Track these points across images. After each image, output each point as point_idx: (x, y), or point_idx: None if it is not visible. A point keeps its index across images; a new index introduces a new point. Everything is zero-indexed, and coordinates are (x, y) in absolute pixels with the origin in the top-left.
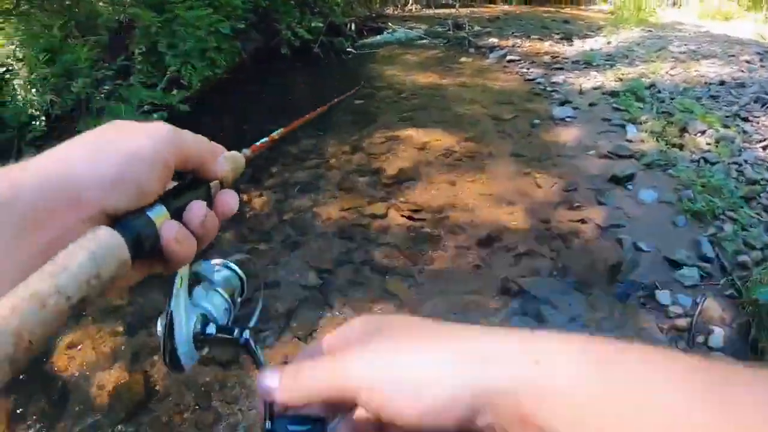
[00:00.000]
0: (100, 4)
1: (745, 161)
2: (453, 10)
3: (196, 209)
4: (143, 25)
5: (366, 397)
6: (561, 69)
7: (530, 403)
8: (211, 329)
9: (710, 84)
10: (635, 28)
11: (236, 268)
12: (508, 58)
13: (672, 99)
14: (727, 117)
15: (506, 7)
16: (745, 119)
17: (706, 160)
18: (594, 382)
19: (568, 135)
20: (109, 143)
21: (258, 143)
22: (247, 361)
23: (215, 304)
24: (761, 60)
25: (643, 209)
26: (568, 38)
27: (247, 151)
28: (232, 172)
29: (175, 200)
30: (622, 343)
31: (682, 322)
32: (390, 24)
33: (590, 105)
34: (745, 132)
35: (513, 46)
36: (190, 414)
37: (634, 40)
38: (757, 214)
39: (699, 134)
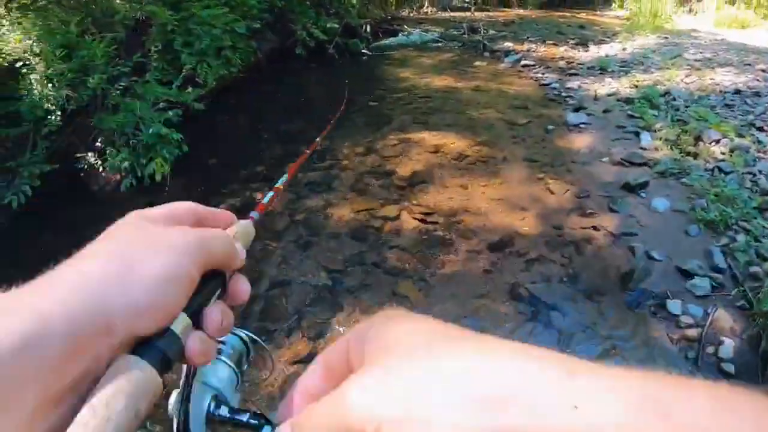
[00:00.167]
0: (117, 1)
1: (760, 171)
2: (468, 14)
3: (215, 316)
4: (159, 23)
5: None
6: (576, 74)
7: None
8: (224, 411)
9: (725, 92)
10: (651, 35)
11: (241, 333)
12: (523, 62)
13: (687, 107)
14: (742, 126)
15: (522, 11)
16: (760, 129)
17: (720, 170)
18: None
19: (581, 141)
20: (140, 263)
21: (265, 201)
22: None
23: (223, 377)
24: None
25: (655, 218)
26: (583, 44)
27: (256, 215)
28: (245, 248)
29: (194, 302)
30: (684, 380)
31: (692, 333)
32: (405, 26)
33: (605, 111)
34: (759, 142)
35: (528, 50)
36: None
37: (649, 47)
38: None
39: (713, 143)
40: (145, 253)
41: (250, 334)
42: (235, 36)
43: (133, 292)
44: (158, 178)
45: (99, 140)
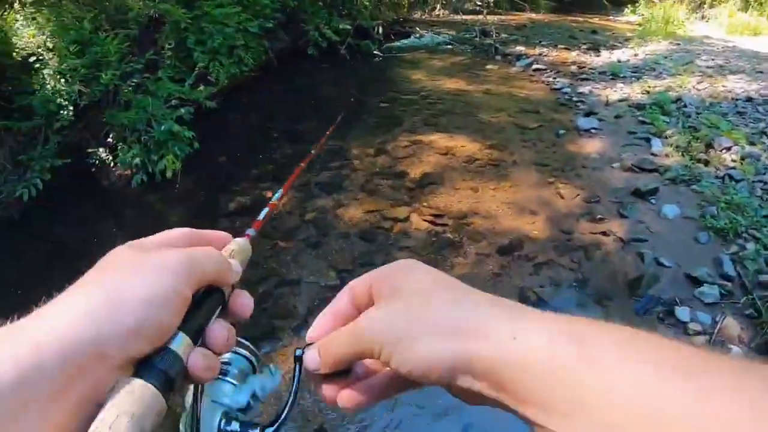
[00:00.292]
0: None
1: None
2: (480, 17)
3: (219, 333)
4: (172, 21)
5: (380, 352)
6: (587, 79)
7: (503, 373)
8: (235, 426)
9: (737, 100)
10: (663, 41)
11: (244, 352)
12: (535, 66)
13: (698, 114)
14: (753, 134)
15: (534, 15)
16: None
17: (730, 177)
18: (563, 355)
19: (592, 146)
20: (127, 287)
21: (260, 218)
22: None
23: (230, 394)
24: None
25: (665, 224)
26: (595, 48)
27: (252, 231)
28: (242, 265)
29: (193, 320)
30: (601, 323)
31: (700, 340)
32: (417, 29)
33: (616, 117)
34: None
35: (540, 54)
36: None
37: (661, 53)
38: None
39: (724, 150)
40: (132, 276)
41: (252, 348)
42: (248, 35)
43: (122, 315)
44: (169, 174)
45: (110, 136)
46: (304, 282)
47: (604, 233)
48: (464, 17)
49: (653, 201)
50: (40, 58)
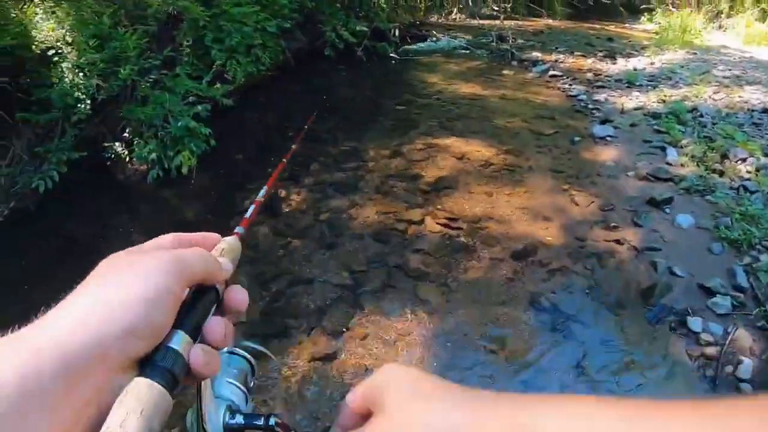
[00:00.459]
0: None
1: None
2: (497, 22)
3: (217, 328)
4: (191, 18)
5: None
6: (603, 87)
7: None
8: (239, 419)
9: (753, 111)
10: (679, 50)
11: (243, 353)
12: (551, 73)
13: (714, 124)
14: None
15: (551, 22)
16: None
17: (745, 188)
18: None
19: (607, 154)
20: (121, 288)
21: (247, 215)
22: None
23: (233, 392)
24: None
25: (679, 234)
26: (611, 56)
27: (241, 229)
28: (233, 262)
29: (190, 318)
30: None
31: (711, 351)
32: (433, 32)
33: (631, 125)
34: None
35: (556, 61)
36: None
37: (677, 62)
38: None
39: (740, 161)
40: (124, 278)
41: (250, 345)
42: (266, 35)
43: (117, 316)
44: (185, 171)
45: (126, 131)
46: (317, 281)
47: (617, 241)
48: (481, 22)
49: (668, 210)
50: (59, 51)
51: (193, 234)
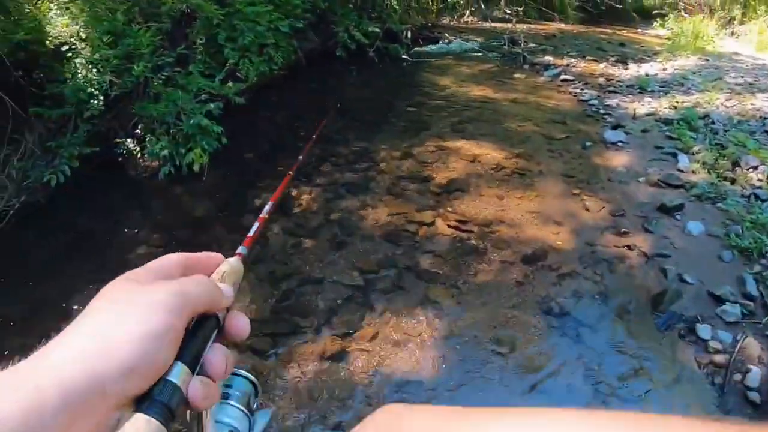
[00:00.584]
0: None
1: None
2: (509, 25)
3: (217, 361)
4: (205, 17)
5: None
6: (615, 92)
7: None
8: None
9: (765, 119)
10: (692, 56)
11: (246, 374)
12: (563, 77)
13: (726, 131)
14: None
15: (563, 26)
16: None
17: (756, 197)
18: None
19: (618, 160)
20: (121, 325)
21: (251, 233)
22: None
23: (235, 416)
24: None
25: (689, 241)
26: (623, 61)
27: (243, 249)
28: (234, 286)
29: (189, 349)
30: None
31: (720, 359)
32: (445, 34)
33: (643, 131)
34: None
35: (568, 65)
36: None
37: (690, 68)
38: None
39: (751, 169)
40: (125, 314)
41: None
42: (279, 34)
43: (118, 354)
44: (196, 168)
45: (138, 127)
46: (327, 281)
47: (628, 247)
48: (493, 25)
49: (678, 217)
50: (73, 47)
51: (198, 254)
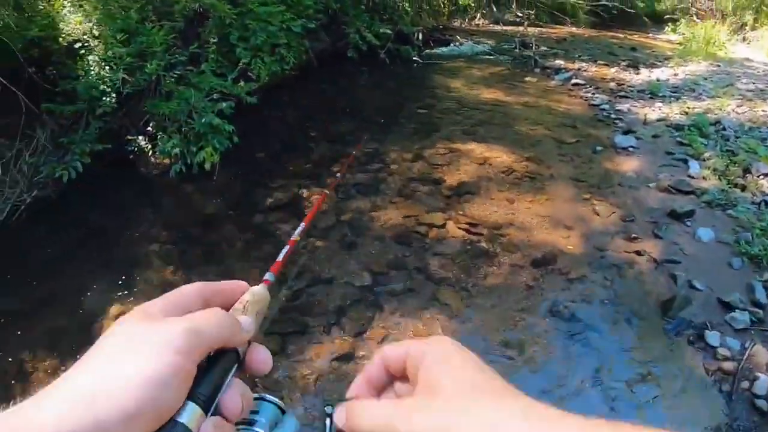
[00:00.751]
0: None
1: None
2: (520, 28)
3: (233, 403)
4: (217, 16)
5: None
6: (626, 97)
7: None
8: None
9: None
10: (703, 62)
11: (273, 399)
12: (574, 81)
13: (737, 138)
14: None
15: (574, 29)
16: None
17: (766, 204)
18: None
19: (629, 165)
20: (127, 368)
21: (280, 258)
22: None
23: None
24: None
25: (699, 247)
26: (634, 66)
27: (271, 276)
28: (258, 316)
29: (203, 388)
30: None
31: (728, 366)
32: (457, 37)
33: (653, 136)
34: None
35: (579, 69)
36: None
37: (701, 74)
38: None
39: (762, 176)
40: (133, 356)
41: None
42: (291, 34)
43: (123, 399)
44: (207, 166)
45: (150, 125)
46: (337, 282)
47: (638, 252)
48: (504, 28)
49: (688, 223)
50: (86, 44)
51: (220, 283)
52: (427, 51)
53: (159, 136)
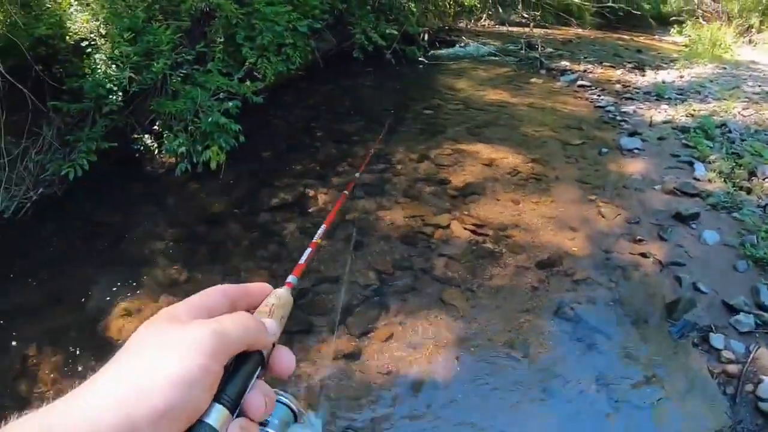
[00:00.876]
0: None
1: None
2: (526, 29)
3: (256, 403)
4: (224, 15)
5: None
6: (632, 99)
7: None
8: None
9: None
10: (709, 64)
11: (287, 401)
12: (579, 82)
13: (743, 140)
14: None
15: (580, 31)
16: None
17: None
18: None
19: (634, 167)
20: (156, 370)
21: (302, 260)
22: None
23: None
24: None
25: (704, 250)
26: (640, 68)
27: (294, 279)
28: (283, 319)
29: (229, 389)
30: None
31: (733, 368)
32: (462, 38)
33: (659, 139)
34: None
35: (585, 71)
36: None
37: (707, 76)
38: None
39: (767, 179)
40: (160, 357)
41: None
42: (297, 34)
43: (152, 398)
44: (213, 165)
45: (156, 124)
46: (342, 281)
47: (643, 255)
48: (510, 29)
49: (694, 226)
50: (93, 43)
51: (243, 286)
52: (432, 52)
53: (165, 135)
